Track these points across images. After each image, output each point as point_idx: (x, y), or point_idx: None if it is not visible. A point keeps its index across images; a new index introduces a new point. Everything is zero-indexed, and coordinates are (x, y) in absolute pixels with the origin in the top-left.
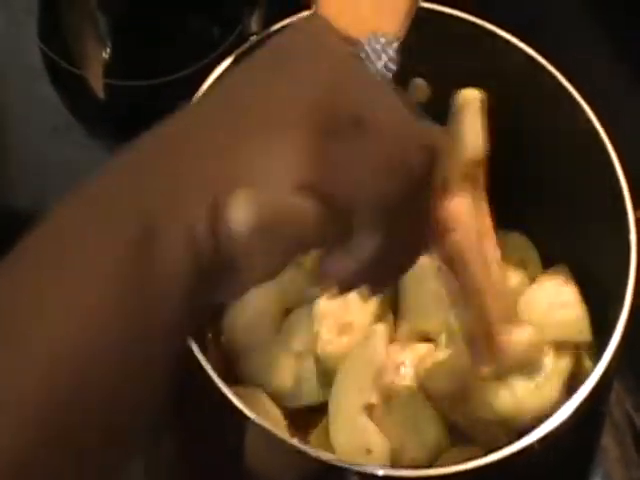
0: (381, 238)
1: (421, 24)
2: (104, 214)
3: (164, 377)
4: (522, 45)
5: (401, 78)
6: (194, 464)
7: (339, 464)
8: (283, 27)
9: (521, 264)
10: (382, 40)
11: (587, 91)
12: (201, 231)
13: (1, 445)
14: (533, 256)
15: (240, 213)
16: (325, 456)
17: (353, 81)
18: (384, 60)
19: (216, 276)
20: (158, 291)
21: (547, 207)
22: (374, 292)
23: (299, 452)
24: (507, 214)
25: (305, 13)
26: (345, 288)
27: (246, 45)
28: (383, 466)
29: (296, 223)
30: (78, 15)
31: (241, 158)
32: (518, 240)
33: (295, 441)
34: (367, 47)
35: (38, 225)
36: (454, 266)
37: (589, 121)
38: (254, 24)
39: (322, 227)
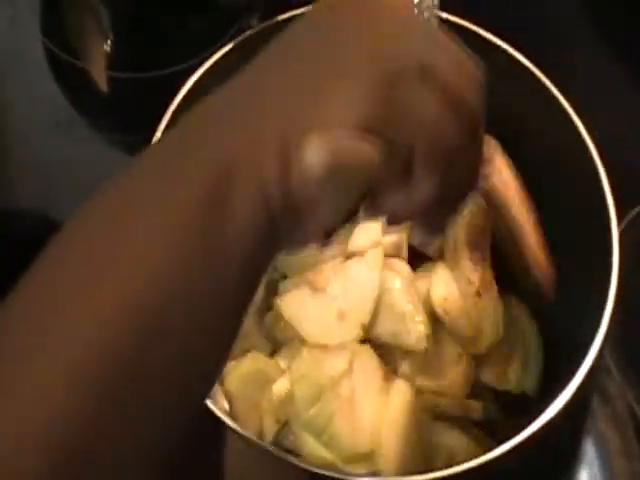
0: (439, 178)
1: None
2: (183, 155)
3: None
4: (507, 47)
5: None
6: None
7: (334, 475)
8: (281, 21)
9: None
10: None
11: (587, 91)
12: (273, 174)
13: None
14: None
15: (314, 156)
16: (317, 467)
17: (411, 30)
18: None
19: (284, 223)
20: (231, 232)
21: None
22: (431, 231)
23: (289, 463)
24: None
25: (304, 9)
26: (398, 221)
27: (244, 35)
28: (377, 476)
29: (364, 163)
30: (80, 9)
31: (309, 102)
32: None
33: (284, 453)
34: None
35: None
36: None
37: (575, 128)
38: (252, 19)
39: (386, 167)
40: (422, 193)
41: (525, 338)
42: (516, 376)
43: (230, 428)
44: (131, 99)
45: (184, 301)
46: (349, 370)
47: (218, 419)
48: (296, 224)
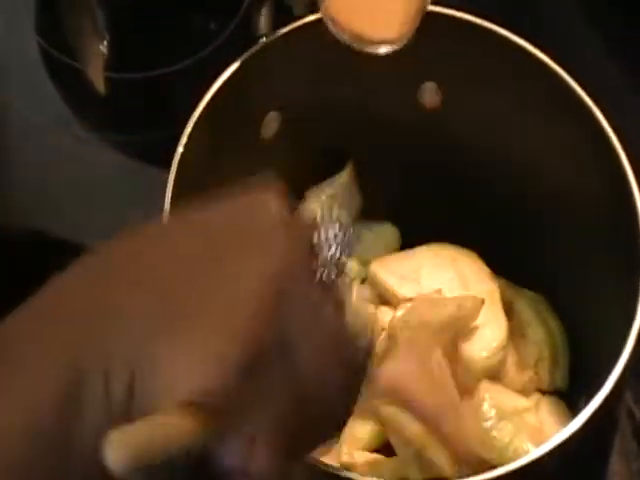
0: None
1: (431, 27)
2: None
3: None
4: (534, 50)
5: (412, 82)
6: None
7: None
8: (293, 29)
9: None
10: (336, 226)
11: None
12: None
13: None
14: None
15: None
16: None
17: (295, 293)
18: (334, 249)
19: None
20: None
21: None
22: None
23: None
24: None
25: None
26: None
27: (256, 47)
28: None
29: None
30: (77, 10)
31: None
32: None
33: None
34: (321, 231)
35: None
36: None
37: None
38: (262, 19)
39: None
40: (260, 466)
41: (552, 334)
42: (548, 375)
43: None
44: (128, 99)
45: None
46: None
47: None
48: None
